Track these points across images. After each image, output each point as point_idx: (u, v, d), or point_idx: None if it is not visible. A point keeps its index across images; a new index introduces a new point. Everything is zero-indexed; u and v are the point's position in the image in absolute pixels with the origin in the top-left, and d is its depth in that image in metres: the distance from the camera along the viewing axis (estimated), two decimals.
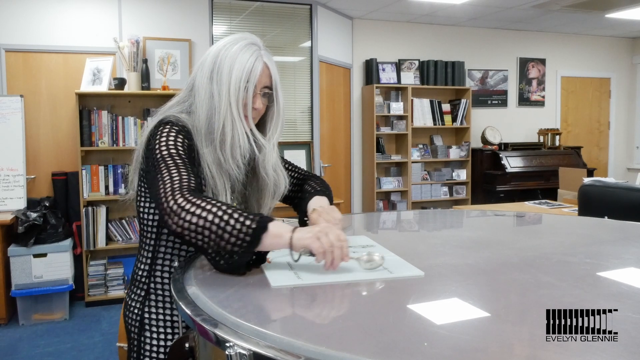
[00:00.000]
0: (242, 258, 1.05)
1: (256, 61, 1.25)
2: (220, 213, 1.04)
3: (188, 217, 1.04)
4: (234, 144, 1.25)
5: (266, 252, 1.12)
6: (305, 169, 1.61)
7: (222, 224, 1.03)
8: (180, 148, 1.20)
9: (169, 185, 1.10)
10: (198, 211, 1.05)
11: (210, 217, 1.04)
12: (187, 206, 1.05)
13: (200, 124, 1.26)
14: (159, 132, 1.22)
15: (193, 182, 1.13)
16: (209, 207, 1.05)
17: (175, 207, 1.06)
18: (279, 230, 1.06)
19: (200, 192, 1.12)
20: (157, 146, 1.20)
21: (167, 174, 1.13)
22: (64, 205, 4.34)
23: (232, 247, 1.04)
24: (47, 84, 4.36)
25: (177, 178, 1.12)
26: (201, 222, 1.04)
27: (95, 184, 4.29)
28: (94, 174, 4.28)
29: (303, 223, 1.41)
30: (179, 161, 1.17)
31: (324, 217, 1.29)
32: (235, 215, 1.04)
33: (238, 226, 1.03)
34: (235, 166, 1.26)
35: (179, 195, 1.07)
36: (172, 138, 1.21)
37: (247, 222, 1.04)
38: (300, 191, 1.51)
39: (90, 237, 4.23)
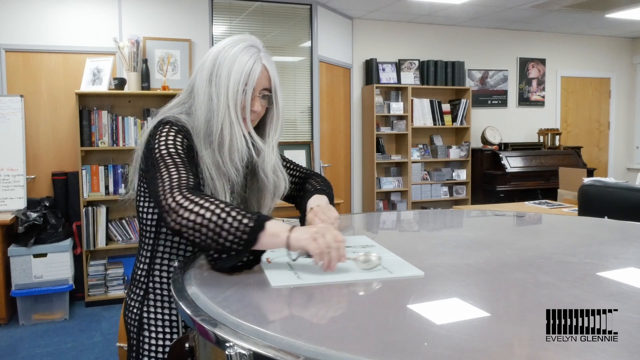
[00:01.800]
0: (238, 256, 1.06)
1: (255, 63, 1.25)
2: (218, 211, 1.05)
3: (186, 215, 1.05)
4: (232, 147, 1.24)
5: (262, 252, 1.12)
6: (307, 168, 1.60)
7: (220, 222, 1.04)
8: (179, 147, 1.20)
9: (167, 183, 1.11)
10: (196, 209, 1.05)
11: (208, 214, 1.04)
12: (186, 204, 1.06)
13: (199, 126, 1.25)
14: (159, 132, 1.23)
15: (192, 180, 1.13)
16: (207, 204, 1.05)
17: (173, 204, 1.06)
18: (277, 229, 1.05)
19: (199, 190, 1.12)
20: (156, 145, 1.20)
21: (166, 172, 1.14)
22: (64, 205, 4.34)
23: (230, 244, 1.04)
24: (47, 84, 4.36)
25: (176, 176, 1.13)
26: (199, 220, 1.04)
27: (95, 184, 4.29)
28: (94, 174, 4.28)
29: (303, 222, 1.40)
30: (177, 160, 1.17)
31: (319, 217, 1.29)
32: (233, 214, 1.05)
33: (236, 224, 1.03)
34: (234, 169, 1.26)
35: (177, 193, 1.08)
36: (171, 137, 1.21)
37: (245, 221, 1.04)
38: (302, 190, 1.51)
39: (90, 237, 4.23)
